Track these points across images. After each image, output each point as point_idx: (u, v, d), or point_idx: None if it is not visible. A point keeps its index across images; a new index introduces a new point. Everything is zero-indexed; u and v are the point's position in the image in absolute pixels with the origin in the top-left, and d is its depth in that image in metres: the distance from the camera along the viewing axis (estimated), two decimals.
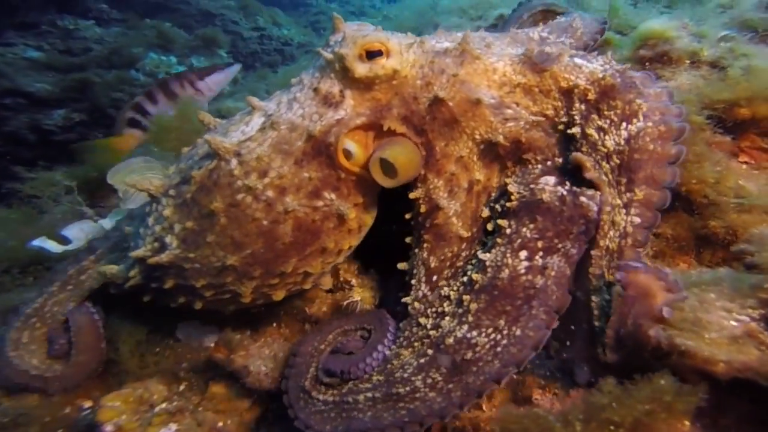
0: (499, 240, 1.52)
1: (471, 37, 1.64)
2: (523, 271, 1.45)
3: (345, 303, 1.85)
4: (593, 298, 1.46)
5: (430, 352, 1.50)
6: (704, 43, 2.07)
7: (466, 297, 1.51)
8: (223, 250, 1.55)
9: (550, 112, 1.57)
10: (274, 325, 1.95)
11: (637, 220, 1.48)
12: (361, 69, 1.57)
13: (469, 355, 1.43)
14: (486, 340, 1.43)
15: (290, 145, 1.55)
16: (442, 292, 1.60)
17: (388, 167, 1.56)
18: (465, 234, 1.62)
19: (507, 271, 1.46)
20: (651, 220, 1.48)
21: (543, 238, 1.46)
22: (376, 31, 1.64)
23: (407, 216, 1.70)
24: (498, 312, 1.44)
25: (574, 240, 1.47)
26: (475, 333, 1.45)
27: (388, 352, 1.61)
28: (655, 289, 1.31)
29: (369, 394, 1.51)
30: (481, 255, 1.54)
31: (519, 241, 1.48)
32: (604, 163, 1.51)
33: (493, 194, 1.63)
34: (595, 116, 1.52)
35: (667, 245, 1.70)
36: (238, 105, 4.27)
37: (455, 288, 1.57)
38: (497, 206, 1.59)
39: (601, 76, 1.52)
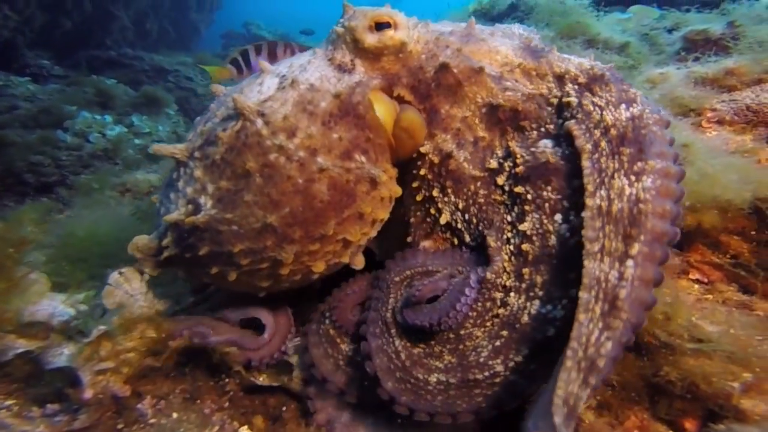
0: (526, 207, 1.54)
1: (476, 24, 1.82)
2: (567, 234, 1.45)
3: None
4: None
5: (504, 333, 1.44)
6: None
7: (525, 270, 1.48)
8: (261, 209, 1.53)
9: (544, 91, 1.69)
10: None
11: (652, 186, 1.33)
12: (370, 39, 1.69)
13: (551, 331, 1.38)
14: (563, 312, 1.38)
15: (314, 106, 1.59)
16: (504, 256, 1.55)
17: (402, 134, 1.68)
18: (478, 174, 1.69)
19: (553, 237, 1.46)
20: (676, 192, 1.33)
21: (566, 198, 1.49)
22: (385, 7, 1.77)
23: (421, 172, 1.74)
24: (565, 281, 1.40)
25: None
26: (549, 307, 1.41)
27: (476, 289, 1.51)
28: None
29: (441, 377, 1.45)
30: (520, 226, 1.54)
31: (547, 205, 1.50)
32: (596, 131, 1.49)
33: (499, 152, 1.70)
34: (588, 94, 1.58)
35: (613, 395, 1.45)
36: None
37: (507, 256, 1.54)
38: (506, 164, 1.65)
39: (589, 66, 1.64)
